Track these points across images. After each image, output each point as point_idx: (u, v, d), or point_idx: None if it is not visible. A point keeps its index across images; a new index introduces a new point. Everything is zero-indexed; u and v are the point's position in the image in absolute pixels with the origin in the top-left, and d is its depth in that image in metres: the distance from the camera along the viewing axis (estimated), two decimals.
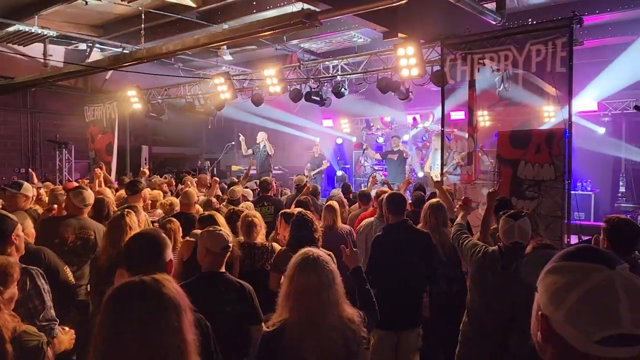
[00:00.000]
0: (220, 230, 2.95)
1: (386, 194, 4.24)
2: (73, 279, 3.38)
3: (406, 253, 3.83)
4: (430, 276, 4.03)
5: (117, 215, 3.41)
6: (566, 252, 1.07)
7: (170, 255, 2.17)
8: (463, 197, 4.32)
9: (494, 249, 3.36)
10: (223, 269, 2.88)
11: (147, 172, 7.43)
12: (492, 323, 3.24)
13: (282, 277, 3.66)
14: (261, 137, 11.28)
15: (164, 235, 2.24)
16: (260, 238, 3.98)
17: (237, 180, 8.56)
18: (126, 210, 3.44)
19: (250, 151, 11.43)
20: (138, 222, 3.95)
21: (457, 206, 4.30)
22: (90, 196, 4.29)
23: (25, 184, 4.61)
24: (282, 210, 4.72)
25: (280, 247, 4.02)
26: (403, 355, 3.89)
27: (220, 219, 3.93)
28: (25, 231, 3.41)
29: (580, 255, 1.04)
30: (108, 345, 1.38)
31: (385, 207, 4.04)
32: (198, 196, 6.60)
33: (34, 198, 5.20)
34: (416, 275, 3.90)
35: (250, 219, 3.94)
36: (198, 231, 3.34)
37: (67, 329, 2.64)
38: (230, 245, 2.91)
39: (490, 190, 4.35)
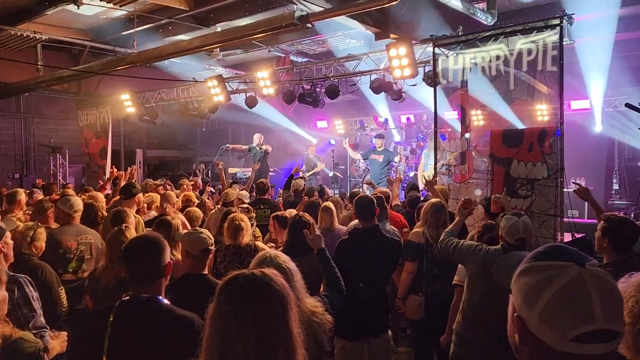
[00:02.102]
0: (201, 232, 2.93)
1: (356, 197, 4.09)
2: (65, 302, 3.35)
3: (371, 260, 3.71)
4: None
5: (115, 232, 3.29)
6: (537, 252, 1.08)
7: (168, 258, 2.19)
8: (463, 199, 4.10)
9: (497, 247, 3.34)
10: (205, 271, 2.89)
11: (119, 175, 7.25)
12: (494, 322, 3.22)
13: None
14: (257, 139, 11.23)
15: (162, 238, 2.25)
16: (246, 240, 3.99)
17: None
18: (125, 225, 3.33)
19: (246, 147, 11.38)
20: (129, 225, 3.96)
21: (457, 208, 4.10)
22: (78, 202, 4.29)
23: None
24: (274, 214, 4.72)
25: (265, 247, 4.07)
26: None
27: (177, 221, 3.94)
28: (35, 243, 3.43)
29: (550, 255, 1.05)
30: (219, 338, 1.44)
31: (353, 211, 3.99)
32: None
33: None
34: (381, 282, 3.84)
35: (237, 222, 3.94)
36: None
37: (57, 332, 2.64)
38: (210, 247, 2.89)
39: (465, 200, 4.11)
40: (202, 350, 1.47)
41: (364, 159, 11.21)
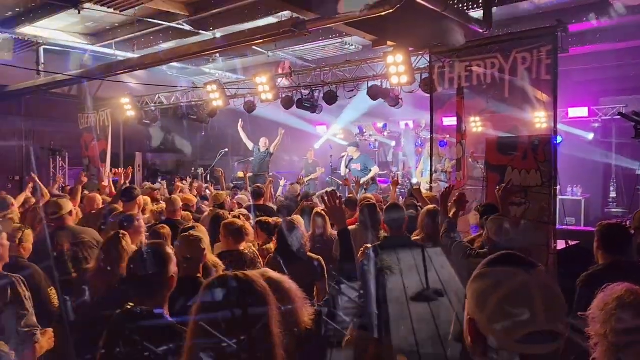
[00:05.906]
0: (191, 236, 2.98)
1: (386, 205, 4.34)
2: (57, 302, 3.39)
3: None
4: None
5: (112, 238, 3.23)
6: (489, 259, 1.15)
7: (173, 270, 2.22)
8: (458, 194, 4.25)
9: (485, 250, 3.43)
10: (199, 274, 2.92)
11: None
12: None
13: None
14: (263, 142, 11.37)
15: (168, 250, 2.29)
16: (243, 245, 3.96)
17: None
18: (121, 233, 3.26)
19: (251, 144, 11.49)
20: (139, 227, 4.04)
21: (451, 202, 4.26)
22: (66, 204, 4.36)
23: None
24: (258, 219, 4.75)
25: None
26: None
27: (202, 228, 3.95)
28: (23, 244, 3.47)
29: (500, 262, 1.13)
30: (198, 333, 1.48)
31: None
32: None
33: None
34: None
35: (235, 226, 3.94)
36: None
37: (44, 329, 2.72)
38: (203, 251, 2.92)
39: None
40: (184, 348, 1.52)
41: (347, 169, 10.71)
